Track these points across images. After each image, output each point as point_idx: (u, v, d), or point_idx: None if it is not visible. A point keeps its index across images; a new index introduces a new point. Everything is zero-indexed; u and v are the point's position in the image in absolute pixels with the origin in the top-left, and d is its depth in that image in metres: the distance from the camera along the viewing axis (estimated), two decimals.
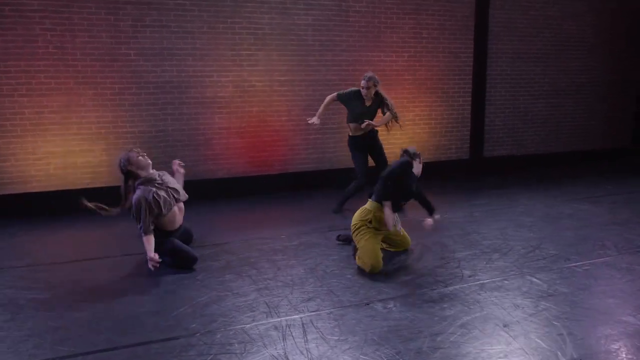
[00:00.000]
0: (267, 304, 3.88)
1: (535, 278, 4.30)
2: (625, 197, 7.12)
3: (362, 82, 6.41)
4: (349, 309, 3.78)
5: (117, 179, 7.13)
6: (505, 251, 4.97)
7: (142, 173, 4.90)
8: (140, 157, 4.92)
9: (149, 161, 4.98)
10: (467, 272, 4.45)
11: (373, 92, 6.44)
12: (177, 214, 4.90)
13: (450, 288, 4.13)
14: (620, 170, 9.26)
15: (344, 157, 8.31)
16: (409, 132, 8.65)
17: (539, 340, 3.29)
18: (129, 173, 4.91)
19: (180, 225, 4.99)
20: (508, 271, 4.47)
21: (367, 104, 6.49)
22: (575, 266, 4.56)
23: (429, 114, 8.79)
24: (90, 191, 6.95)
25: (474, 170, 9.12)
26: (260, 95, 7.69)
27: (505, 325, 3.49)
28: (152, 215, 4.63)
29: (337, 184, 8.13)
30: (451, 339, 3.31)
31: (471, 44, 8.89)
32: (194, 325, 3.56)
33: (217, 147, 7.56)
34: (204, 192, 7.25)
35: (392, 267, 4.61)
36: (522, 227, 5.75)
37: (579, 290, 4.06)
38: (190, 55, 7.25)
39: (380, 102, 6.52)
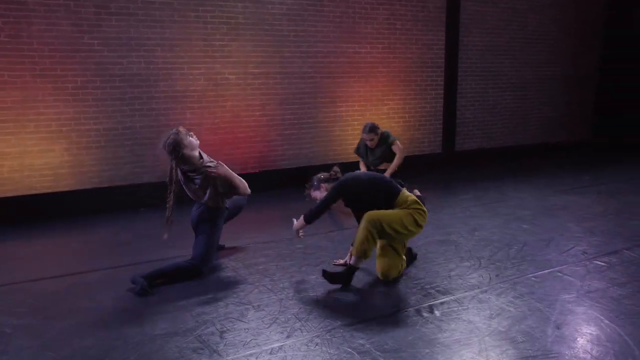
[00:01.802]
0: (296, 317, 3.50)
1: (563, 274, 4.15)
2: (607, 187, 7.21)
3: (364, 136, 6.56)
4: (390, 319, 3.47)
5: (81, 182, 6.54)
6: (520, 247, 4.81)
7: (195, 154, 4.29)
8: (191, 138, 4.28)
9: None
10: (493, 273, 4.24)
11: (377, 140, 6.56)
12: None
13: (492, 292, 3.90)
14: (587, 161, 9.44)
15: (321, 153, 8.00)
16: (385, 125, 8.39)
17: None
18: (182, 158, 4.20)
19: None
20: (537, 268, 4.30)
21: (372, 148, 6.64)
22: (598, 260, 4.45)
23: (403, 107, 8.60)
24: (50, 196, 6.31)
25: (447, 164, 9.03)
26: (234, 88, 7.24)
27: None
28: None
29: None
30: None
31: (443, 36, 8.77)
32: (222, 347, 3.14)
33: None
34: (179, 193, 6.71)
35: (419, 271, 4.33)
36: (525, 221, 5.64)
37: (614, 286, 3.93)
38: (159, 45, 6.70)
39: (385, 140, 6.61)
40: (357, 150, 6.83)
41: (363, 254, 3.88)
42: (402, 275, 4.16)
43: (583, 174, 8.08)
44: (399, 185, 4.12)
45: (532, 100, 10.09)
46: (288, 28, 7.46)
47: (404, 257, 4.16)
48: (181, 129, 4.31)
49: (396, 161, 6.46)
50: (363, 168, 6.61)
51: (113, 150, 6.62)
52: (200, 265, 4.20)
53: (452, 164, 9.08)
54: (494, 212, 6.04)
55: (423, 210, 4.00)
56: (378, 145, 6.55)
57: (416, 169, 8.44)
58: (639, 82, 10.35)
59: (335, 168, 4.48)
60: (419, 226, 3.99)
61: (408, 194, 4.04)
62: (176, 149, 4.14)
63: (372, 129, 6.45)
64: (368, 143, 6.55)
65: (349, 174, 4.19)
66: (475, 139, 9.54)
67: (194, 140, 4.32)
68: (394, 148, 6.51)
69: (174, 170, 4.20)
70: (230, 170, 4.36)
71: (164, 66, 6.77)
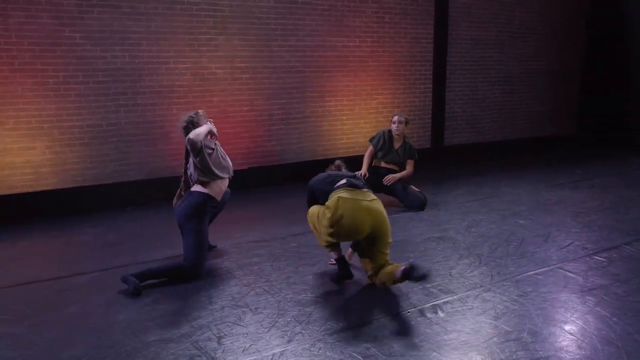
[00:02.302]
0: (296, 320, 3.37)
1: (566, 270, 4.08)
2: (600, 182, 7.19)
3: (396, 118, 6.34)
4: (394, 320, 3.36)
5: (64, 180, 6.32)
6: (519, 243, 4.73)
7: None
8: (206, 120, 4.46)
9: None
10: (494, 271, 4.15)
11: (402, 129, 6.34)
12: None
13: (496, 290, 3.81)
14: (575, 156, 9.44)
15: (309, 149, 7.86)
16: (373, 121, 8.31)
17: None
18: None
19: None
20: (537, 265, 4.22)
21: (391, 145, 6.38)
22: (598, 255, 4.39)
23: (392, 101, 8.49)
24: (31, 196, 6.09)
25: (436, 159, 8.94)
26: (221, 83, 7.06)
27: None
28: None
29: (303, 177, 7.69)
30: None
31: (432, 30, 8.68)
32: (220, 353, 2.99)
33: (176, 142, 6.84)
34: (166, 191, 6.51)
35: (430, 267, 4.21)
36: (521, 216, 5.57)
37: (617, 282, 3.87)
38: (144, 39, 6.49)
39: (409, 146, 6.46)
40: (372, 140, 6.46)
41: (326, 246, 3.93)
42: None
43: (574, 169, 8.06)
44: (342, 185, 3.92)
45: (520, 94, 10.06)
46: (276, 22, 7.30)
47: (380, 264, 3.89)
48: (200, 111, 4.53)
49: (406, 173, 6.29)
50: (367, 159, 6.39)
51: (97, 147, 6.41)
52: (196, 266, 4.05)
53: (442, 159, 9.00)
54: (490, 207, 5.96)
55: (333, 207, 3.77)
56: (401, 144, 6.35)
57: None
58: (623, 76, 10.38)
59: (338, 162, 4.59)
60: (333, 220, 3.74)
61: (337, 193, 3.85)
62: (188, 126, 4.38)
63: (406, 118, 6.35)
64: (394, 126, 6.24)
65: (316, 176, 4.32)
66: (464, 134, 9.47)
67: (208, 125, 4.38)
68: (410, 162, 6.35)
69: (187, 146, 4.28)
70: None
71: (149, 60, 6.57)
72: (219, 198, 4.35)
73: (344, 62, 7.91)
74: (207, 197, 4.23)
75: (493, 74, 9.59)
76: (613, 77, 10.50)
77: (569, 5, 10.34)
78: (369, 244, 3.81)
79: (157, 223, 5.71)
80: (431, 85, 8.84)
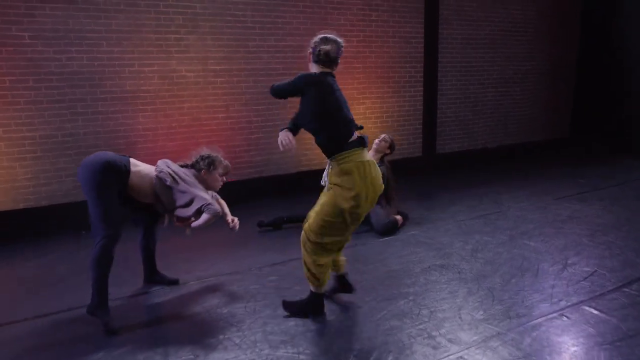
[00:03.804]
0: None
1: (595, 309, 3.46)
2: (608, 193, 6.59)
3: (381, 136, 5.65)
4: None
5: (14, 200, 5.57)
6: (534, 271, 4.10)
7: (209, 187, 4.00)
8: (219, 179, 4.04)
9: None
10: (512, 311, 3.53)
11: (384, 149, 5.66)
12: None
13: (510, 332, 3.18)
14: (573, 162, 8.86)
15: (292, 160, 7.19)
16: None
17: None
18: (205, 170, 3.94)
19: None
20: (560, 300, 3.59)
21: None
22: (628, 287, 3.78)
23: (381, 106, 7.86)
24: None
25: (428, 168, 8.33)
26: (192, 88, 6.36)
27: None
28: None
29: (286, 192, 7.04)
30: None
31: (422, 28, 8.06)
32: None
33: (142, 153, 6.14)
34: None
35: (422, 309, 3.57)
36: (532, 236, 4.95)
37: None
38: (104, 39, 5.78)
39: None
40: None
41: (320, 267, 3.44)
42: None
43: (576, 178, 7.45)
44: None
45: (513, 96, 9.49)
46: (253, 19, 6.62)
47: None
48: (225, 162, 4.10)
49: None
50: None
51: (52, 161, 5.68)
52: (107, 235, 3.40)
53: (434, 168, 8.39)
54: (494, 226, 5.34)
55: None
56: (379, 162, 5.56)
57: (395, 175, 7.72)
58: (618, 77, 9.83)
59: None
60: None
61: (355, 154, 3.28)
62: (209, 164, 3.95)
63: (392, 140, 5.63)
64: (377, 143, 5.53)
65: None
66: (457, 140, 8.87)
67: (218, 178, 4.02)
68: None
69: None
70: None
71: (110, 63, 5.86)
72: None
73: None
74: None
75: (486, 75, 9.01)
76: (608, 79, 9.96)
77: (563, 3, 9.79)
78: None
79: (117, 251, 4.87)
80: (422, 88, 8.23)
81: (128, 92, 6.00)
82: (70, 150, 5.75)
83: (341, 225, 3.21)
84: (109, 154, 3.58)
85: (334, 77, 3.33)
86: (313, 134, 3.31)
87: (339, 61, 3.34)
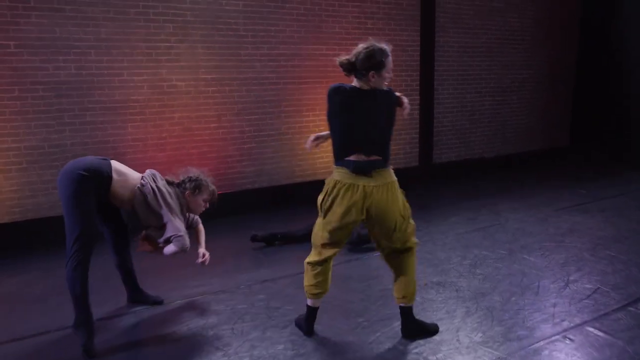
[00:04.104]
0: None
1: (599, 330, 3.30)
2: (610, 203, 6.45)
3: None
4: None
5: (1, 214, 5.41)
6: (535, 289, 3.95)
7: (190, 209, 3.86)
8: (202, 204, 3.87)
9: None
10: (513, 333, 3.37)
11: None
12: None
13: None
14: (573, 172, 8.72)
15: (286, 170, 7.03)
16: None
17: None
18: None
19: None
20: (563, 320, 3.44)
21: None
22: (634, 306, 3.63)
23: None
24: None
25: (425, 178, 8.18)
26: (182, 97, 6.22)
27: None
28: None
29: (279, 204, 6.88)
30: None
31: (418, 36, 7.94)
32: None
33: (131, 164, 5.93)
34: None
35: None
36: (531, 251, 4.80)
37: None
38: (92, 48, 5.63)
39: None
40: None
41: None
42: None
43: (576, 188, 7.31)
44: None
45: (510, 105, 9.36)
46: (245, 27, 6.49)
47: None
48: (212, 188, 3.93)
49: None
50: None
51: (38, 173, 5.52)
52: (81, 247, 3.24)
53: (431, 178, 8.24)
54: (493, 239, 5.18)
55: None
56: None
57: None
58: (618, 84, 9.72)
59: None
60: None
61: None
62: (196, 187, 3.78)
63: None
64: None
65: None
66: (454, 150, 8.73)
67: (201, 203, 3.85)
68: None
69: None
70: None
71: (99, 72, 5.71)
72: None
73: (323, 72, 7.12)
74: None
75: (483, 83, 8.89)
76: (608, 85, 9.86)
77: (561, 10, 9.69)
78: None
79: (105, 266, 4.32)
80: (418, 97, 8.10)
81: (117, 101, 5.85)
82: (57, 161, 5.58)
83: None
84: (89, 160, 3.41)
85: (358, 88, 3.16)
86: None
87: (363, 71, 3.15)
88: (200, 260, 3.84)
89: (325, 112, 3.29)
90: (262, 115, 6.76)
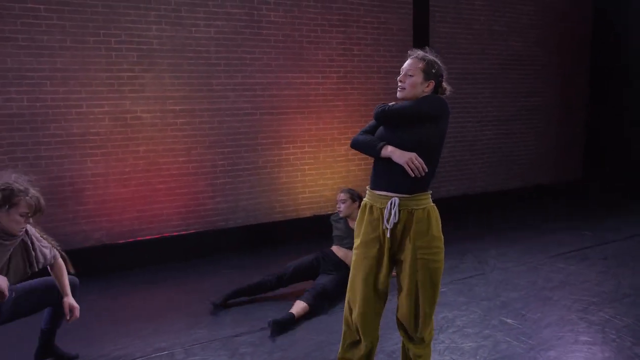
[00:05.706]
0: None
1: None
2: (614, 249, 5.75)
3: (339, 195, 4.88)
4: None
5: None
6: None
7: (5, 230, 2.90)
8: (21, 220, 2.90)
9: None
10: None
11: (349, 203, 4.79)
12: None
13: None
14: (581, 210, 8.02)
15: (264, 206, 6.57)
16: (342, 171, 7.05)
17: None
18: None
19: None
20: None
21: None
22: None
23: None
24: None
25: None
26: (148, 130, 5.84)
27: None
28: None
29: (256, 244, 6.42)
30: None
31: None
32: None
33: (91, 201, 5.61)
34: (74, 263, 5.19)
35: None
36: (510, 311, 4.18)
37: None
38: (48, 78, 5.30)
39: None
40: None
41: None
42: None
43: (582, 229, 6.61)
44: None
45: (516, 135, 8.77)
46: (217, 55, 6.10)
47: None
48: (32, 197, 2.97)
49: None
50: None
51: None
52: None
53: None
54: (472, 293, 4.58)
55: None
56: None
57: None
58: (634, 111, 9.01)
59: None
60: None
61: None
62: (5, 199, 2.84)
63: (352, 193, 4.82)
64: (338, 205, 4.79)
65: None
66: (454, 183, 8.17)
67: (18, 219, 2.90)
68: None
69: None
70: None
71: (54, 104, 5.37)
72: None
73: (304, 102, 6.68)
74: None
75: (484, 112, 8.33)
76: (622, 114, 9.14)
77: (570, 32, 9.09)
78: None
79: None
80: None
81: (75, 134, 5.49)
82: None
83: None
84: None
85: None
86: None
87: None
88: (67, 317, 3.09)
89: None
90: (237, 148, 6.34)
